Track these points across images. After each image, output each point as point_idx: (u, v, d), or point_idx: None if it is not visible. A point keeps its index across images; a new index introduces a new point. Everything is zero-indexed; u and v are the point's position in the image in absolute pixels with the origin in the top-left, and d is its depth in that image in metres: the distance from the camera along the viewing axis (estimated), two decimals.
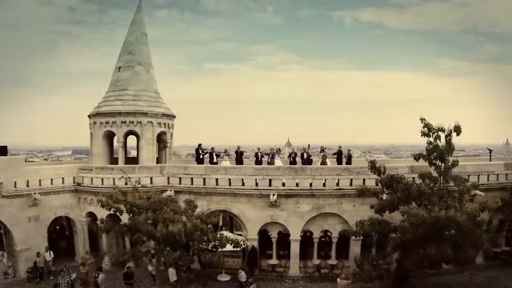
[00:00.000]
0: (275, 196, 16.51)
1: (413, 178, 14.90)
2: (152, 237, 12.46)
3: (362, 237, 15.73)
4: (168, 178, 18.24)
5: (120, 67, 22.05)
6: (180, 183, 17.89)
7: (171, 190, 17.66)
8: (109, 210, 13.17)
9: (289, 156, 20.88)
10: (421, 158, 14.03)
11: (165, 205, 13.33)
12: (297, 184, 16.86)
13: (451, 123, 13.47)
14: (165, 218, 11.95)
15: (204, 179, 17.48)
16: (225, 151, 21.28)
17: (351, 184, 16.91)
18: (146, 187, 17.48)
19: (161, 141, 21.86)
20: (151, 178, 18.12)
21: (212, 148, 20.63)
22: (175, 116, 22.37)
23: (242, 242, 14.82)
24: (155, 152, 20.97)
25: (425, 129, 13.67)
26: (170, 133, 21.85)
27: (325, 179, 16.95)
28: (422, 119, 13.65)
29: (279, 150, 21.72)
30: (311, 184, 16.88)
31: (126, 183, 15.12)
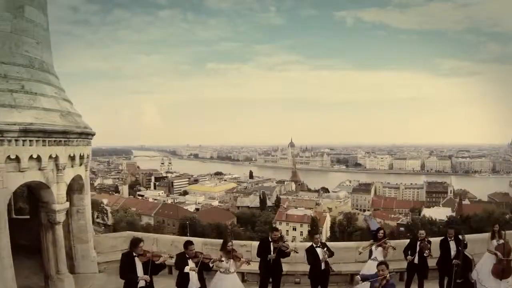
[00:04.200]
0: None
1: None
2: None
3: None
4: None
5: None
6: None
7: None
8: None
9: (408, 249, 6.91)
10: None
11: None
12: None
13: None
14: None
15: None
16: (222, 252, 6.72)
17: None
18: None
19: (37, 202, 7.57)
20: None
21: (196, 254, 6.16)
22: (92, 134, 8.37)
23: None
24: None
25: None
26: (70, 177, 7.55)
27: None
28: None
29: (371, 216, 7.49)
30: None
31: None
